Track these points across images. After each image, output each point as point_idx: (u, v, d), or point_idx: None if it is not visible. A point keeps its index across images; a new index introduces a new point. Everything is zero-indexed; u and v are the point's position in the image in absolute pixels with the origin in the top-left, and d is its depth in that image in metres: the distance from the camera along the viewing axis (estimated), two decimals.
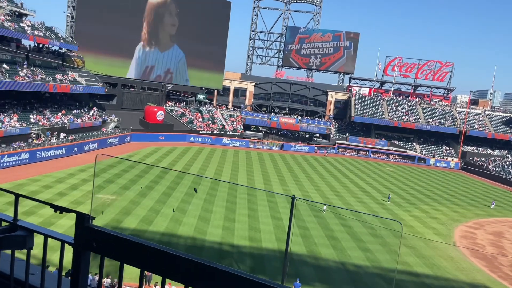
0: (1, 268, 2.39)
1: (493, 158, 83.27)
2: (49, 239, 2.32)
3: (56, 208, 2.30)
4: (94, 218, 2.19)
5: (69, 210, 2.26)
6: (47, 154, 47.48)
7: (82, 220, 2.16)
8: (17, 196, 2.44)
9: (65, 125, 55.71)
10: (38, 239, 2.48)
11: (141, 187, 38.03)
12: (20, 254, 2.50)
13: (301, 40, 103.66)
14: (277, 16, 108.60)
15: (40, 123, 52.18)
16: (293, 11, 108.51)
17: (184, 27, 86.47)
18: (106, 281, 19.78)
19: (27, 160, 44.29)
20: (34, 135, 49.19)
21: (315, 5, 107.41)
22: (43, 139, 49.51)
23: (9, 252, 2.43)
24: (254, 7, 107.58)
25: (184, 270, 1.90)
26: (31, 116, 52.57)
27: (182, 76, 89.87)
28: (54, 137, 51.33)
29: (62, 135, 52.86)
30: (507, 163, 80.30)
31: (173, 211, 32.55)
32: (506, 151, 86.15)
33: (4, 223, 2.45)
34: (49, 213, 28.18)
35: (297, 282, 22.21)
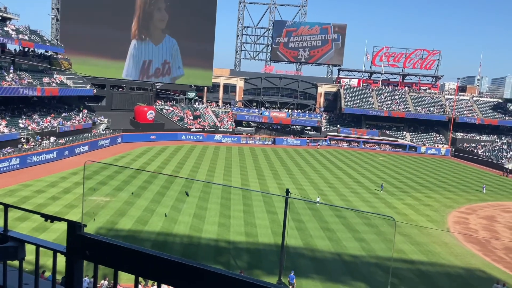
0: None
1: (482, 144, 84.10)
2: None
3: (47, 217, 2.29)
4: (85, 225, 2.19)
5: (59, 219, 2.25)
6: (38, 158, 47.06)
7: (74, 228, 2.15)
8: (6, 206, 2.43)
9: (55, 129, 55.25)
10: (31, 246, 2.48)
11: (132, 193, 37.50)
12: (14, 263, 2.50)
13: (289, 33, 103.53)
14: (264, 11, 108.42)
15: (29, 127, 51.69)
16: (279, 5, 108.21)
17: (172, 23, 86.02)
18: (104, 283, 19.72)
19: (18, 166, 43.88)
20: (24, 140, 48.72)
21: None
22: (33, 143, 49.07)
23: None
24: (240, 2, 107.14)
25: (179, 274, 1.91)
26: (20, 121, 52.03)
27: (176, 64, 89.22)
28: (44, 141, 50.89)
29: (52, 138, 52.41)
30: (497, 147, 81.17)
31: (165, 215, 32.21)
32: (495, 136, 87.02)
33: None
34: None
35: (292, 274, 22.36)
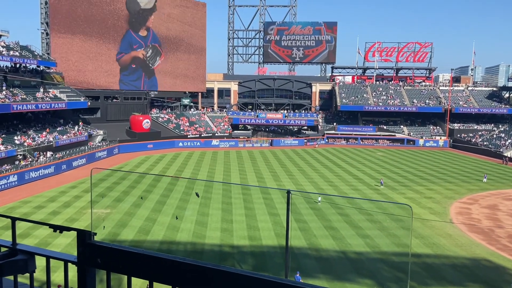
0: None
1: (480, 133, 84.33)
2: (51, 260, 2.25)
3: (56, 228, 2.24)
4: (95, 234, 2.12)
5: (69, 229, 2.19)
6: (35, 174, 46.85)
7: (84, 237, 2.10)
8: (14, 219, 2.37)
9: (51, 143, 55.04)
10: (39, 261, 2.40)
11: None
12: (23, 279, 2.42)
13: (280, 32, 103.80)
14: (253, 13, 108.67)
15: (25, 143, 51.48)
16: (269, 6, 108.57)
17: (161, 37, 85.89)
18: None
19: (16, 183, 43.65)
20: (21, 157, 48.50)
21: None
22: (30, 159, 48.85)
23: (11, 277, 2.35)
24: (229, 6, 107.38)
25: (194, 276, 1.87)
26: (15, 137, 51.82)
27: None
28: (42, 157, 50.68)
29: (49, 153, 52.21)
30: (494, 136, 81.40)
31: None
32: (492, 125, 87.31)
33: (3, 249, 2.37)
34: (45, 233, 27.83)
35: (297, 275, 22.25)
